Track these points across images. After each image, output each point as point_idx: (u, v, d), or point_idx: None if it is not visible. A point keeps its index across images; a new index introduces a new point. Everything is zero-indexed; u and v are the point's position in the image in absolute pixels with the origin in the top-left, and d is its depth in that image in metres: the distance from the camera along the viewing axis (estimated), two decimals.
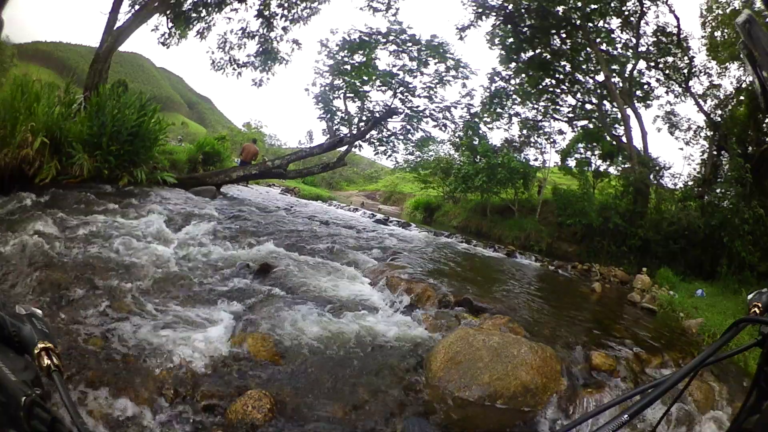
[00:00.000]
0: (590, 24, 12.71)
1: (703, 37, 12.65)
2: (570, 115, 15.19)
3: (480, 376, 3.03)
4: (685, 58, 12.94)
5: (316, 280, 4.52)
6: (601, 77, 13.27)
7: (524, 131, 15.89)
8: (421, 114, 12.11)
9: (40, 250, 3.95)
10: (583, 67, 14.01)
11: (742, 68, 11.41)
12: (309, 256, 5.53)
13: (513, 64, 14.51)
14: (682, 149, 21.82)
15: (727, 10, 11.54)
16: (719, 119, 12.35)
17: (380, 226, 10.21)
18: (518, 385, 3.01)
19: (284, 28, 12.96)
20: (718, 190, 10.83)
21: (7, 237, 4.27)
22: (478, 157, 14.09)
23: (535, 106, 15.35)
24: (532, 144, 15.86)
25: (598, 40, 12.88)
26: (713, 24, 12.16)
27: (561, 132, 15.56)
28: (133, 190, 7.49)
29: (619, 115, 12.93)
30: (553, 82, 14.66)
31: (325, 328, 3.44)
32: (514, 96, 15.18)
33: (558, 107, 15.26)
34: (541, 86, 14.68)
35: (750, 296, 0.72)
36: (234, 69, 13.43)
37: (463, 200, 16.22)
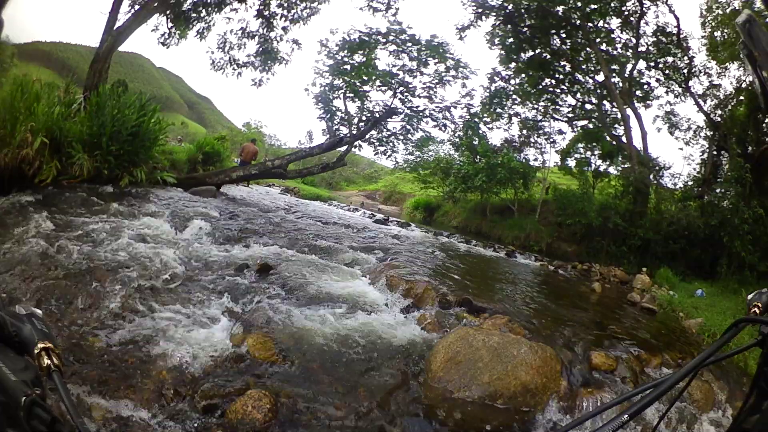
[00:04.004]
0: (590, 24, 12.72)
1: (703, 37, 12.66)
2: (570, 115, 15.22)
3: (480, 376, 3.03)
4: (685, 58, 12.95)
5: (315, 280, 4.52)
6: (601, 77, 13.29)
7: (524, 131, 15.92)
8: (420, 114, 12.12)
9: (40, 251, 3.95)
10: (583, 67, 14.03)
11: (742, 68, 11.41)
12: (308, 255, 5.53)
13: (513, 64, 14.54)
14: (682, 149, 21.87)
15: (727, 10, 11.54)
16: (719, 119, 12.35)
17: (380, 226, 10.19)
18: (518, 385, 3.01)
19: (284, 28, 13.00)
20: (718, 190, 10.83)
21: (7, 237, 4.27)
22: (478, 157, 14.09)
23: (535, 106, 15.38)
24: (532, 144, 15.89)
25: (598, 40, 12.90)
26: (713, 24, 12.16)
27: (561, 132, 15.62)
28: (133, 190, 7.49)
29: (619, 115, 12.95)
30: (553, 82, 14.68)
31: (325, 327, 3.44)
32: (514, 96, 15.23)
33: (558, 107, 15.29)
34: (541, 86, 14.70)
35: (750, 296, 0.73)
36: (234, 69, 13.46)
37: (462, 200, 16.21)
